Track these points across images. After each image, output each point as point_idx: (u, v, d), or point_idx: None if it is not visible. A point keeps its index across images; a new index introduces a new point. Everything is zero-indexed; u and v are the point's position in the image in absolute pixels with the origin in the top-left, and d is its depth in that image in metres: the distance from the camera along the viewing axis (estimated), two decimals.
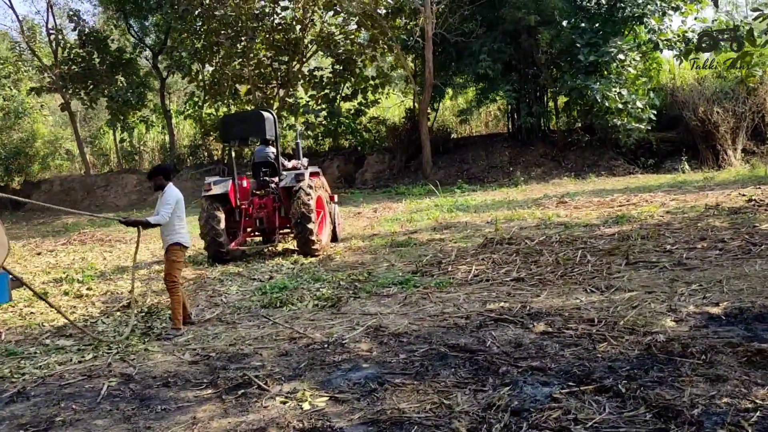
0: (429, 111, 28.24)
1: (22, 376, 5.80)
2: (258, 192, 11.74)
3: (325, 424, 4.17)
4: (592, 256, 9.02)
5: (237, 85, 30.19)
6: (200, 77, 30.45)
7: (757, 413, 3.87)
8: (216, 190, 11.26)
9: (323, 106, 29.95)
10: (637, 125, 23.65)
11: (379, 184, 27.18)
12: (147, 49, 32.98)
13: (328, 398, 4.67)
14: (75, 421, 4.65)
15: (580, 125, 27.40)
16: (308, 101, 30.82)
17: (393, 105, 32.00)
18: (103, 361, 6.06)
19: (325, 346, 6.01)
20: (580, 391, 4.42)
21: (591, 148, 26.08)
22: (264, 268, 10.40)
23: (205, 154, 31.94)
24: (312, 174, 11.83)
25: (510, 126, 28.88)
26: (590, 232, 11.33)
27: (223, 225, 11.15)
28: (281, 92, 30.46)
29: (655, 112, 23.91)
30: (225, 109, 31.53)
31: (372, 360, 5.48)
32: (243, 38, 26.54)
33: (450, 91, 29.31)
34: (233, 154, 12.31)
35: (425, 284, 8.31)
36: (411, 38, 27.03)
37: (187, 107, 31.77)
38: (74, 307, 8.66)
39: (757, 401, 4.03)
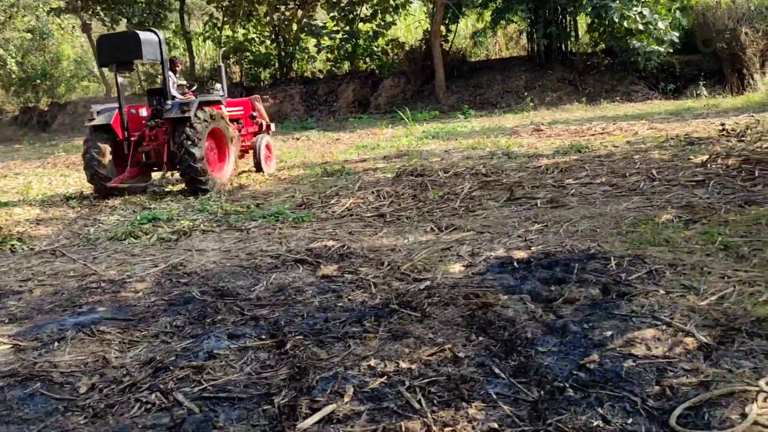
0: (444, 33, 27.10)
1: None
2: (149, 123, 10.79)
3: None
4: (483, 190, 8.42)
5: (256, 5, 29.63)
6: None
7: (382, 379, 3.41)
8: (99, 120, 10.47)
9: (342, 26, 29.17)
10: (656, 48, 22.05)
11: (392, 109, 26.42)
12: None
13: (9, 346, 4.41)
14: None
15: (602, 47, 25.78)
16: (326, 23, 30.07)
17: (408, 24, 30.84)
18: None
19: (102, 285, 5.75)
20: (256, 345, 4.03)
21: (611, 73, 24.60)
22: (165, 200, 10.16)
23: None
24: (212, 104, 10.77)
25: (529, 49, 27.44)
26: (527, 163, 10.63)
27: (107, 158, 10.37)
28: (299, 13, 29.78)
29: (678, 34, 22.20)
30: (243, 31, 31.14)
31: (120, 303, 5.19)
32: None
33: (468, 13, 27.97)
34: (118, 80, 10.89)
35: (292, 218, 7.92)
36: None
37: (206, 29, 31.44)
38: None
39: (403, 365, 3.55)
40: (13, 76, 34.73)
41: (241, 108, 12.45)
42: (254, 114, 12.66)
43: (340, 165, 12.27)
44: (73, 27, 35.28)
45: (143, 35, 10.22)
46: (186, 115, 9.95)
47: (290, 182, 11.18)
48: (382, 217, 7.60)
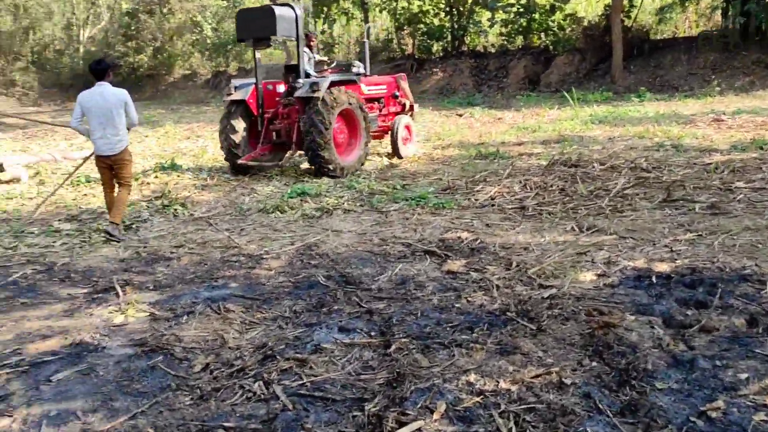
0: (627, 8, 25.57)
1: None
2: (282, 101, 10.48)
3: (89, 343, 4.27)
4: (638, 188, 7.90)
5: None
6: None
7: (478, 398, 3.29)
8: (235, 95, 10.20)
9: None
10: None
11: (563, 88, 25.43)
12: None
13: (147, 314, 4.75)
14: None
15: None
16: None
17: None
18: (62, 248, 6.66)
19: (240, 259, 6.04)
20: (363, 343, 4.05)
21: None
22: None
23: (397, 48, 32.03)
24: (345, 83, 10.38)
25: (722, 26, 25.21)
26: (696, 158, 9.84)
27: (240, 134, 10.16)
28: None
29: None
30: (418, 3, 31.20)
31: (251, 281, 5.43)
32: None
33: None
34: (257, 55, 10.45)
35: (433, 204, 7.87)
36: None
37: (384, 0, 31.84)
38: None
39: (503, 385, 3.41)
40: (208, 41, 37.32)
41: (383, 86, 12.00)
42: (397, 93, 12.19)
43: (495, 147, 12.01)
44: None
45: (279, 10, 9.80)
46: (315, 94, 9.58)
47: (442, 162, 11.11)
48: (523, 209, 7.35)
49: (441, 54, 30.44)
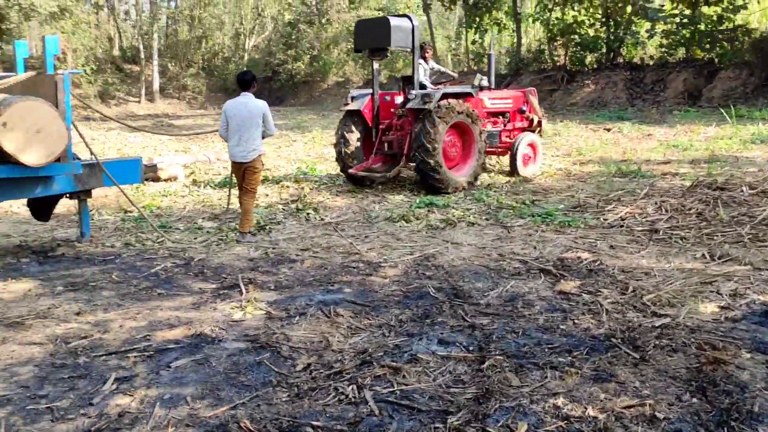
0: None
1: (143, 244, 7.23)
2: (397, 112, 10.32)
3: (208, 335, 4.61)
4: None
5: None
6: None
7: (561, 423, 3.25)
8: (351, 105, 10.24)
9: (682, 8, 27.08)
10: None
11: (726, 104, 23.91)
12: None
13: (264, 313, 5.06)
14: (106, 283, 5.78)
15: None
16: (663, 5, 28.14)
17: (764, 8, 27.37)
18: (201, 245, 7.21)
19: (359, 266, 6.27)
20: (459, 357, 4.11)
21: None
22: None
23: (548, 59, 31.48)
24: (459, 96, 10.03)
25: None
26: None
27: (354, 144, 10.21)
28: None
29: None
30: (573, 13, 30.51)
31: (365, 287, 5.62)
32: None
33: None
34: (375, 66, 10.45)
35: (559, 222, 7.75)
36: None
37: (537, 10, 31.45)
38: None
39: (590, 413, 3.35)
40: None
41: (509, 100, 11.55)
42: (524, 108, 11.66)
43: (638, 165, 11.57)
44: (418, 6, 37.79)
45: (394, 21, 9.75)
46: (426, 106, 9.37)
47: (578, 179, 10.86)
48: (653, 232, 7.06)
49: (594, 66, 29.56)
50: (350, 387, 3.76)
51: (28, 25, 30.65)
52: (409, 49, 10.00)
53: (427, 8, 32.85)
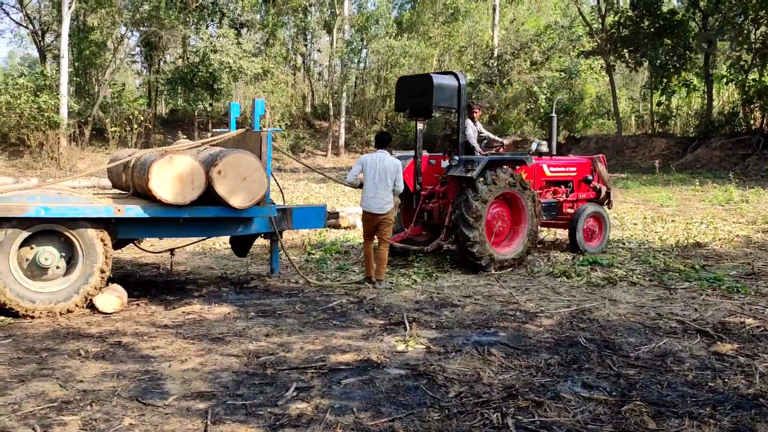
0: None
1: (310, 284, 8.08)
2: (441, 178, 9.38)
3: (374, 361, 5.21)
4: None
5: None
6: (750, 39, 28.50)
7: None
8: None
9: None
10: None
11: None
12: (699, 10, 32.15)
13: (424, 347, 5.60)
14: (290, 312, 6.61)
15: None
16: None
17: None
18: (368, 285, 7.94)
19: (516, 314, 6.65)
20: (600, 399, 4.39)
21: None
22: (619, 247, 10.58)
23: (742, 122, 29.96)
24: (509, 162, 9.10)
25: None
26: None
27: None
28: None
29: None
30: None
31: (520, 333, 6.00)
32: None
33: None
34: (419, 126, 9.28)
35: (726, 287, 7.65)
36: None
37: (731, 72, 30.16)
38: None
39: None
40: (541, 110, 38.79)
41: (573, 169, 10.52)
42: (590, 177, 10.50)
43: None
44: (601, 67, 37.59)
45: (438, 79, 8.84)
46: (468, 174, 8.48)
47: (758, 247, 10.48)
48: None
49: None
50: (495, 414, 4.18)
51: (235, 84, 34.17)
52: (454, 110, 9.11)
53: (610, 69, 32.61)
